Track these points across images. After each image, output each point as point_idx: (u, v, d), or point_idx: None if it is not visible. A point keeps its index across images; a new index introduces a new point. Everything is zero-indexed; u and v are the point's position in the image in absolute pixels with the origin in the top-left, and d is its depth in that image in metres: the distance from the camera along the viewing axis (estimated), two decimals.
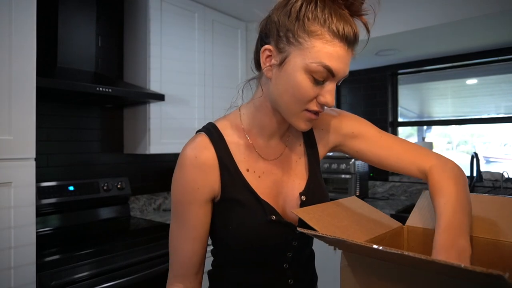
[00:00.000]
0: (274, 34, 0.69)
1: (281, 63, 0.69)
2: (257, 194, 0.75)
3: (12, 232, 1.33)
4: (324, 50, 0.65)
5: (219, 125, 0.79)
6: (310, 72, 0.66)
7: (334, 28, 0.65)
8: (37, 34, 1.43)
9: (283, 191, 0.80)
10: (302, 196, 0.78)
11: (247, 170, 0.77)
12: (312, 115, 0.70)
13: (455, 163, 0.76)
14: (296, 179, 0.81)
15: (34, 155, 1.40)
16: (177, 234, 0.78)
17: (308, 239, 0.82)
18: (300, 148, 0.84)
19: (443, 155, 0.80)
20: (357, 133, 0.84)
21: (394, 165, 0.82)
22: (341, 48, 0.66)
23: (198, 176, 0.73)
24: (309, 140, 0.85)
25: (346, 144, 0.86)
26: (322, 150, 0.86)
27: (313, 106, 0.69)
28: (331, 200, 0.77)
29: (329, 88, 0.68)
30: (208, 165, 0.74)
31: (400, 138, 0.84)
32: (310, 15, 0.65)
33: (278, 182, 0.80)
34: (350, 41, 0.67)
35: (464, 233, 0.60)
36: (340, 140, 0.86)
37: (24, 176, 1.37)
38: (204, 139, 0.76)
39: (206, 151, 0.74)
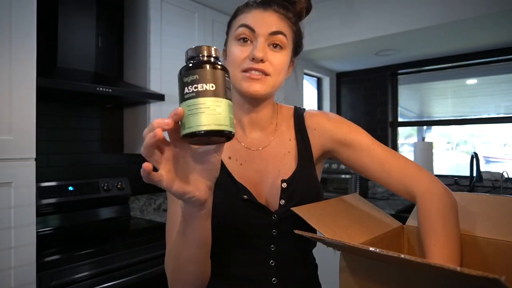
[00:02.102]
0: (225, 40, 0.84)
1: (225, 51, 0.82)
2: (233, 177, 0.77)
3: (12, 232, 1.34)
4: (242, 17, 0.78)
5: None
6: (236, 38, 0.76)
7: (249, 2, 0.79)
8: (37, 34, 1.43)
9: (267, 180, 0.80)
10: (283, 184, 0.78)
11: (229, 158, 0.80)
12: (250, 74, 0.74)
13: (444, 188, 0.75)
14: (282, 170, 0.81)
15: (34, 155, 1.41)
16: (175, 210, 0.78)
17: (293, 235, 0.80)
18: (290, 143, 0.84)
19: (433, 176, 0.77)
20: (349, 141, 0.82)
21: (384, 181, 0.80)
22: (256, 11, 0.77)
23: None
24: (301, 137, 0.85)
25: (338, 150, 0.84)
26: (315, 150, 0.85)
27: (246, 65, 0.74)
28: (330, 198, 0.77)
29: (256, 45, 0.74)
30: None
31: (393, 152, 0.82)
32: (239, 7, 0.81)
33: (262, 171, 0.81)
34: (265, 2, 0.77)
35: None
36: (332, 145, 0.84)
37: (24, 176, 1.37)
38: None
39: None
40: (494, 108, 2.91)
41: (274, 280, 0.78)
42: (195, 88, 0.47)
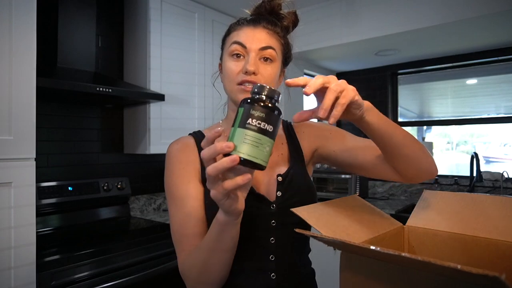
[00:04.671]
0: (221, 54, 0.90)
1: (221, 65, 0.89)
2: None
3: (12, 232, 1.33)
4: (234, 34, 0.84)
5: (204, 131, 0.93)
6: (230, 54, 0.83)
7: (240, 20, 0.86)
8: (37, 34, 1.43)
9: (263, 178, 0.86)
10: (278, 177, 0.84)
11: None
12: (244, 87, 0.80)
13: None
14: (277, 168, 0.87)
15: (34, 155, 1.41)
16: (177, 212, 0.81)
17: (292, 227, 0.82)
18: (282, 146, 0.92)
19: None
20: (334, 131, 0.91)
21: (371, 159, 0.83)
22: (247, 28, 0.83)
23: (181, 156, 0.85)
24: (292, 140, 0.92)
25: (324, 144, 0.90)
26: (306, 152, 0.92)
27: (240, 78, 0.80)
28: (329, 199, 0.77)
29: (248, 59, 0.80)
30: (188, 148, 0.86)
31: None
32: (232, 25, 0.88)
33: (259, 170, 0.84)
34: (254, 20, 0.83)
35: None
36: (319, 141, 0.91)
37: (24, 176, 1.37)
38: (186, 136, 0.91)
39: (186, 140, 0.89)
40: (494, 108, 2.91)
41: (273, 276, 0.81)
42: (258, 124, 0.55)
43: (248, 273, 0.81)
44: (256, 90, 0.58)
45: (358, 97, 0.62)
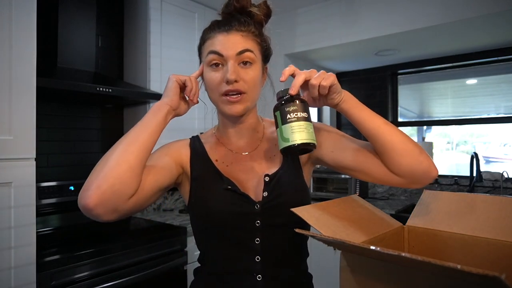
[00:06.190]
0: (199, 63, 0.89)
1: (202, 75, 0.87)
2: (220, 173, 0.84)
3: (12, 232, 1.34)
4: (209, 43, 0.82)
5: (200, 135, 0.95)
6: (208, 64, 0.82)
7: (212, 26, 0.84)
8: (37, 34, 1.43)
9: (253, 178, 0.85)
10: (266, 177, 0.83)
11: (216, 160, 0.87)
12: (228, 97, 0.80)
13: None
14: (267, 169, 0.86)
15: (34, 155, 1.41)
16: (156, 158, 0.85)
17: (277, 228, 0.81)
18: (276, 147, 0.88)
19: None
20: (329, 128, 0.88)
21: (369, 160, 0.79)
22: (220, 35, 0.81)
23: (173, 146, 0.90)
24: None
25: (322, 145, 0.85)
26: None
27: (223, 88, 0.80)
28: (329, 199, 0.77)
29: (227, 68, 0.79)
30: (181, 146, 0.90)
31: None
32: (205, 32, 0.86)
33: (248, 171, 0.86)
34: (226, 24, 0.82)
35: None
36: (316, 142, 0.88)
37: (24, 176, 1.37)
38: (185, 138, 0.94)
39: (182, 140, 0.92)
40: (494, 108, 2.91)
41: (259, 277, 0.80)
42: (296, 115, 0.70)
43: (233, 274, 0.81)
44: (281, 94, 0.73)
45: (326, 82, 0.71)
